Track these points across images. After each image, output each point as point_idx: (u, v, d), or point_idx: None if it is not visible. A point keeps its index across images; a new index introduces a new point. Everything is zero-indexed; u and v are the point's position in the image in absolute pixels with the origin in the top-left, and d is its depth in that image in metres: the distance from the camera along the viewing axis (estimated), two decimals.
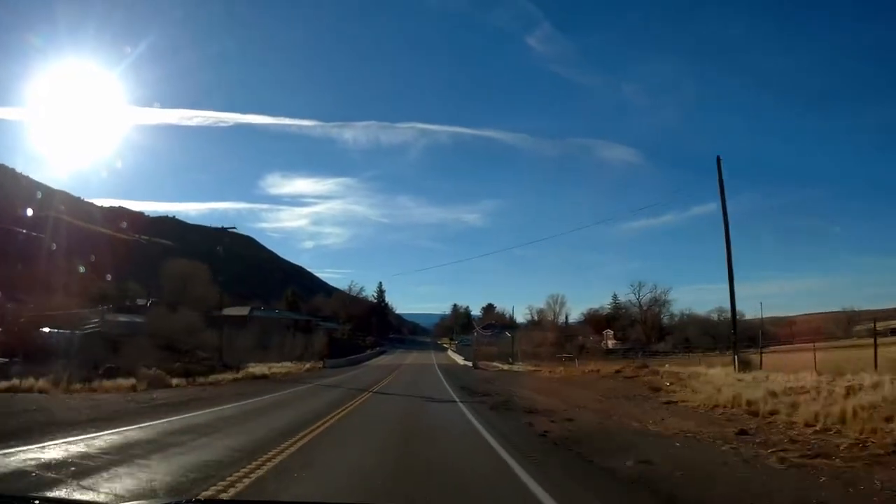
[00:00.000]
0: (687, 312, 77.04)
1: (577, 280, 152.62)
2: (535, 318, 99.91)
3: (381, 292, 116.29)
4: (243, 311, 63.08)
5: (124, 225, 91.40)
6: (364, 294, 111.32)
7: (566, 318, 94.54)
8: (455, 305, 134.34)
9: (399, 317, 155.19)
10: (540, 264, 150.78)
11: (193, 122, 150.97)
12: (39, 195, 58.78)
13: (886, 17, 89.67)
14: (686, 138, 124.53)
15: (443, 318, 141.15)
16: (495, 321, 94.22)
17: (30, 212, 45.87)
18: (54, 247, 41.89)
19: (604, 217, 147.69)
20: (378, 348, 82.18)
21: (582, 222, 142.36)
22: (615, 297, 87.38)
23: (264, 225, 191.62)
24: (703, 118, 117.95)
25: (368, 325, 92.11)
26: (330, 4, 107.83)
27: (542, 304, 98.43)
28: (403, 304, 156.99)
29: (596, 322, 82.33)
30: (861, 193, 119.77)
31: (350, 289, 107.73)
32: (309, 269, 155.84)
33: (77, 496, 4.97)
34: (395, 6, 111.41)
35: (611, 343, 68.47)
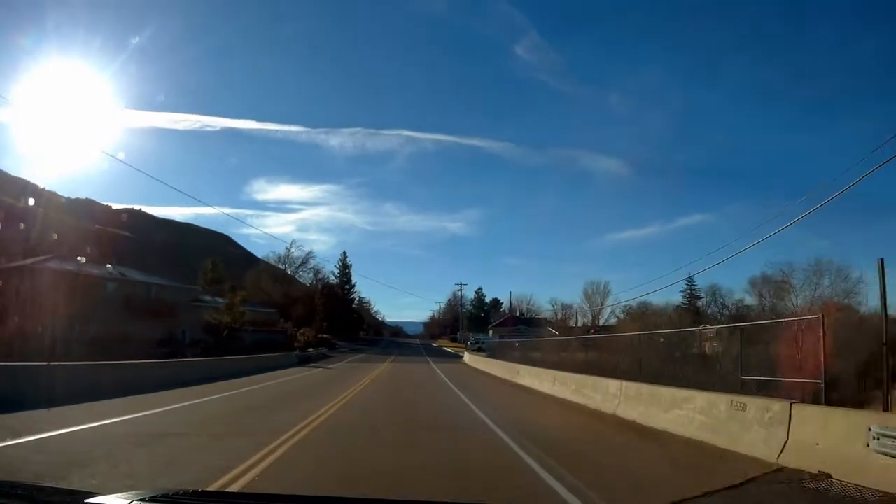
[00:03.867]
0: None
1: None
2: (560, 314, 73.39)
3: (344, 268, 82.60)
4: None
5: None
6: (316, 263, 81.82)
7: (593, 317, 69.51)
8: (459, 286, 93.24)
9: (380, 321, 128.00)
10: (531, 269, 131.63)
11: (181, 126, 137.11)
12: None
13: (877, 30, 75.08)
14: (673, 148, 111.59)
15: (434, 315, 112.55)
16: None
17: None
18: None
19: (594, 226, 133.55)
20: (320, 349, 52.98)
21: (569, 230, 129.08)
22: (690, 280, 58.70)
23: (250, 230, 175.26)
24: (690, 128, 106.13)
25: (310, 313, 61.96)
26: (317, 11, 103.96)
27: (563, 298, 73.65)
28: (387, 314, 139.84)
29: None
30: None
31: (288, 253, 75.90)
32: (284, 269, 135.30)
33: None
34: (382, 14, 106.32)
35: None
